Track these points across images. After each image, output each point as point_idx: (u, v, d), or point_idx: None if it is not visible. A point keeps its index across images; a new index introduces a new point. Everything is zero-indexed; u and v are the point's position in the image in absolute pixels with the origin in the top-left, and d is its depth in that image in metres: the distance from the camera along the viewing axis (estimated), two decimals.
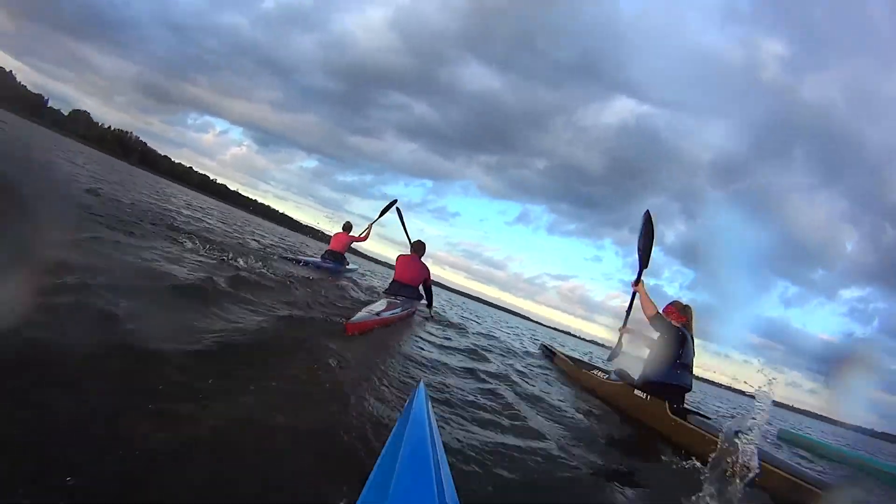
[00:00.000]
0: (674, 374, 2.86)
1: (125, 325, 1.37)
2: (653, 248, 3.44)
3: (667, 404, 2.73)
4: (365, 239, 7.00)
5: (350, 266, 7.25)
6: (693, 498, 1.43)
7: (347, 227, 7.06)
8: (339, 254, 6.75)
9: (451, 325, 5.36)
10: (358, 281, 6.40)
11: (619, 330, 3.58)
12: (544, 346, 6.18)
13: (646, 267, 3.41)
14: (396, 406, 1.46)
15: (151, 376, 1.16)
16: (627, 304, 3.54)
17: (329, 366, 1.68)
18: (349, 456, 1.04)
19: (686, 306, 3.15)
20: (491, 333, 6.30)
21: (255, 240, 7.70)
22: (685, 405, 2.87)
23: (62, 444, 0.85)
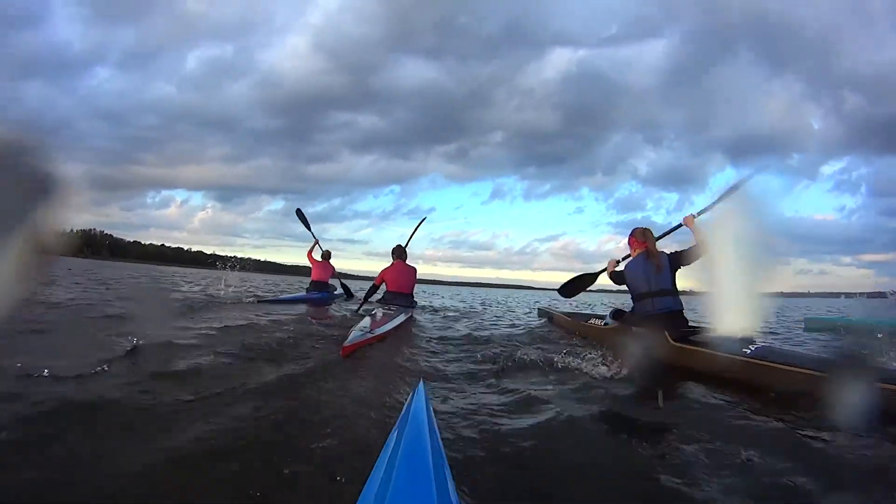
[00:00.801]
0: (655, 302, 2.80)
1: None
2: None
3: (666, 333, 2.63)
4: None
5: (338, 291, 7.25)
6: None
7: (327, 255, 7.09)
8: (323, 283, 6.76)
9: (447, 317, 5.42)
10: (348, 304, 6.43)
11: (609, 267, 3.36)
12: (541, 309, 6.25)
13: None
14: (396, 406, 1.45)
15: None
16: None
17: (327, 374, 1.73)
18: (349, 456, 1.04)
19: (644, 230, 3.03)
20: (488, 316, 6.35)
21: (240, 291, 7.63)
22: (689, 326, 2.75)
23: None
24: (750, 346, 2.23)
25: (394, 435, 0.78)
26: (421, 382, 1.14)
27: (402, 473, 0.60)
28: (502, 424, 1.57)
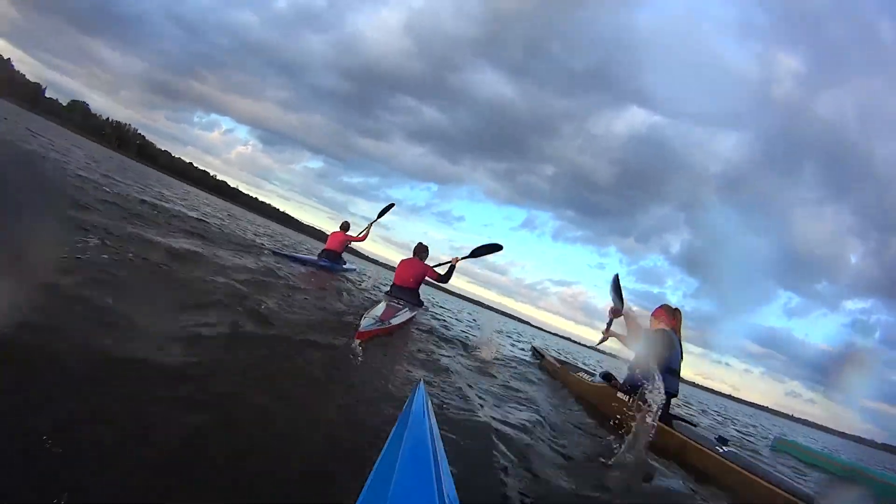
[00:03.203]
0: (665, 380, 2.61)
1: (125, 330, 1.38)
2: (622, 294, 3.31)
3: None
4: (363, 239, 6.93)
5: (347, 266, 7.18)
6: None
7: (345, 226, 6.98)
8: (335, 253, 6.68)
9: (450, 328, 5.35)
10: (356, 280, 6.39)
11: (603, 333, 3.37)
12: (534, 348, 6.20)
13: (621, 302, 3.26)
14: (396, 406, 1.45)
15: (149, 379, 1.17)
16: (605, 323, 3.33)
17: (327, 370, 1.67)
18: (349, 456, 1.04)
19: (675, 309, 2.99)
20: (487, 338, 6.31)
21: (254, 236, 7.70)
22: (671, 411, 2.76)
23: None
24: (723, 447, 2.35)
25: (394, 434, 0.79)
26: (421, 383, 1.15)
27: (402, 473, 0.61)
28: (502, 425, 1.59)
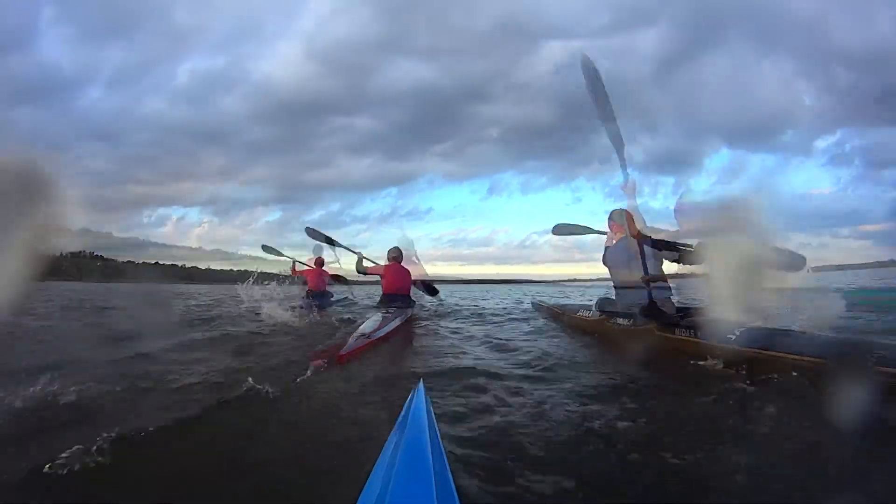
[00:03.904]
0: (639, 293, 2.51)
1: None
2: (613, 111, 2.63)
3: (652, 324, 2.44)
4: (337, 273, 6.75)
5: (335, 297, 7.09)
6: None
7: (319, 262, 6.88)
8: (319, 292, 6.56)
9: (447, 315, 5.41)
10: (349, 305, 6.39)
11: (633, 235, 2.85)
12: (534, 303, 6.35)
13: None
14: (396, 406, 1.44)
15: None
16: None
17: (327, 379, 1.73)
18: (348, 456, 1.04)
19: (622, 211, 2.69)
20: (486, 310, 6.35)
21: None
22: (677, 311, 2.54)
23: None
24: (734, 332, 2.02)
25: (394, 435, 0.79)
26: (421, 382, 1.14)
27: (402, 473, 0.60)
28: (503, 424, 1.58)
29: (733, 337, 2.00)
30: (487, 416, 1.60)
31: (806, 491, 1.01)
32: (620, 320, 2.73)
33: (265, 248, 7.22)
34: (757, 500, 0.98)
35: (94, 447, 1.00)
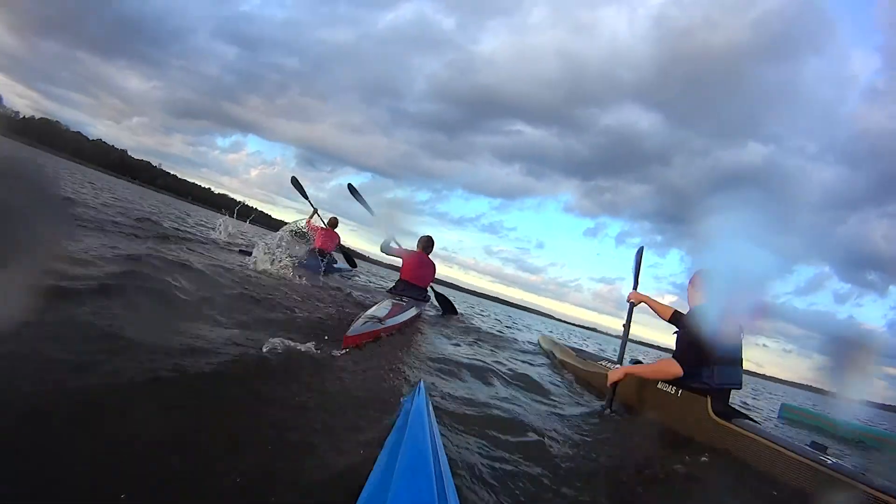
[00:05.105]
0: (717, 372, 2.05)
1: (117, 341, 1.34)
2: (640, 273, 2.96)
3: (709, 400, 2.01)
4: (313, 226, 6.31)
5: (338, 265, 6.80)
6: None
7: (333, 222, 6.61)
8: (324, 252, 6.21)
9: (457, 322, 5.33)
10: (351, 278, 6.28)
11: (623, 325, 2.82)
12: (542, 336, 6.03)
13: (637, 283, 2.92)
14: (396, 406, 1.44)
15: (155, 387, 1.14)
16: (625, 321, 2.80)
17: (328, 370, 1.65)
18: (348, 456, 1.03)
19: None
20: (500, 331, 6.27)
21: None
22: (730, 406, 2.13)
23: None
24: (829, 457, 1.67)
25: (394, 435, 0.78)
26: (421, 382, 1.15)
27: (402, 473, 0.61)
28: (503, 425, 1.58)
29: (829, 462, 1.63)
30: (487, 418, 1.61)
31: None
32: (662, 386, 2.28)
33: (294, 181, 6.42)
34: None
35: None
